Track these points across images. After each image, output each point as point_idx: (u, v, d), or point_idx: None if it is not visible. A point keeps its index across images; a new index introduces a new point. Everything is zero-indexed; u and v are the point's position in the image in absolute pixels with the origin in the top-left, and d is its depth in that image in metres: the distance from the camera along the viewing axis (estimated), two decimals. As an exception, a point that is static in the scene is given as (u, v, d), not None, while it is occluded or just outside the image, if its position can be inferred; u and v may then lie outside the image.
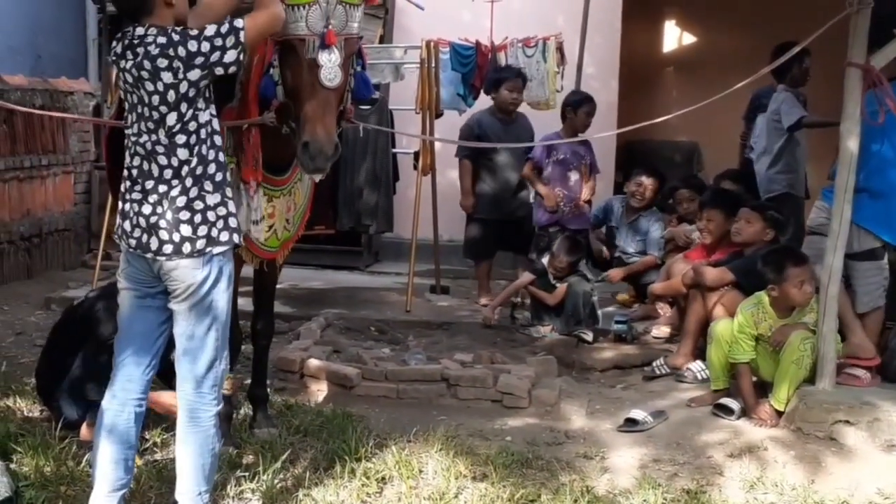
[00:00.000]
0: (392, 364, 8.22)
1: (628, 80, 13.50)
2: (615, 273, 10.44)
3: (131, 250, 5.11)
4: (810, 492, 6.11)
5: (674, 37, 17.14)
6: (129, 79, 4.95)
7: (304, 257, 11.84)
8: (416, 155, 10.91)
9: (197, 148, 4.98)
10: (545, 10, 12.04)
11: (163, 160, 4.96)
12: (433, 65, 10.60)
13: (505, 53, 10.94)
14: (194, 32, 4.92)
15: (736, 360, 7.43)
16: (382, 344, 9.36)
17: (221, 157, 5.10)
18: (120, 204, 5.19)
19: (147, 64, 4.85)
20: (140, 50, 4.88)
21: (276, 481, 6.02)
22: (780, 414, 7.16)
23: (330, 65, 5.42)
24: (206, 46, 4.87)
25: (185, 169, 4.96)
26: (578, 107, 10.30)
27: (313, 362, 8.04)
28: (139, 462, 6.23)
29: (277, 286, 7.35)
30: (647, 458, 6.67)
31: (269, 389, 7.32)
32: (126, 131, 5.11)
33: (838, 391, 7.14)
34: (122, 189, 5.17)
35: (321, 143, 5.41)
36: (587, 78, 11.53)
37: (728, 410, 7.33)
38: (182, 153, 4.95)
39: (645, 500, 5.94)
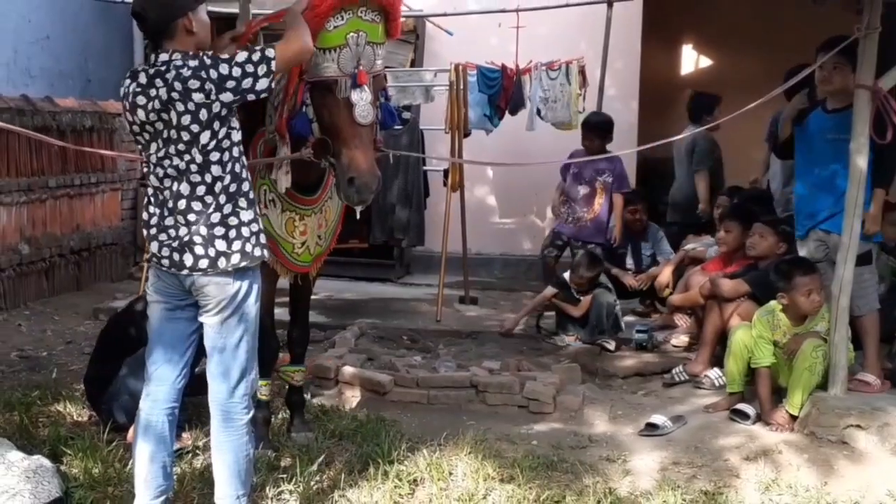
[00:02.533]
0: (423, 371, 8.24)
1: (648, 101, 13.46)
2: (640, 279, 10.41)
3: (163, 269, 5.11)
4: (823, 493, 6.09)
5: (691, 60, 17.12)
6: (157, 105, 4.89)
7: (339, 269, 11.89)
8: (446, 173, 10.92)
9: (230, 165, 4.99)
10: (568, 35, 12.03)
11: (196, 178, 4.94)
12: (461, 87, 10.61)
13: (530, 76, 10.92)
14: (225, 56, 4.95)
15: (758, 365, 7.42)
16: (414, 352, 9.37)
17: (251, 176, 5.12)
18: (146, 230, 5.17)
19: (178, 85, 4.83)
20: (170, 74, 4.86)
21: (312, 483, 6.05)
22: (794, 419, 7.15)
23: (363, 103, 5.47)
24: (237, 72, 4.88)
25: (219, 185, 4.96)
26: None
27: (348, 369, 8.05)
28: (181, 465, 6.29)
29: (313, 297, 7.37)
30: (666, 461, 6.66)
31: (305, 395, 7.34)
32: (149, 159, 5.08)
33: (850, 397, 7.13)
34: (146, 215, 5.16)
35: (366, 179, 5.48)
36: (609, 99, 11.52)
37: (744, 415, 7.33)
38: (216, 170, 4.95)
39: (665, 502, 5.93)
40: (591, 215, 10.46)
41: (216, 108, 4.88)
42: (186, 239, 4.98)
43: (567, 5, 11.19)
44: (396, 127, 11.19)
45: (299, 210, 6.30)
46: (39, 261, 11.60)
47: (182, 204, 4.98)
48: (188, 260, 4.99)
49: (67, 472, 6.06)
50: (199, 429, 6.68)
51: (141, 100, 4.93)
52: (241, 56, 4.95)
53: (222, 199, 4.98)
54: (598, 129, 10.35)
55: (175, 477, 6.04)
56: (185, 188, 4.96)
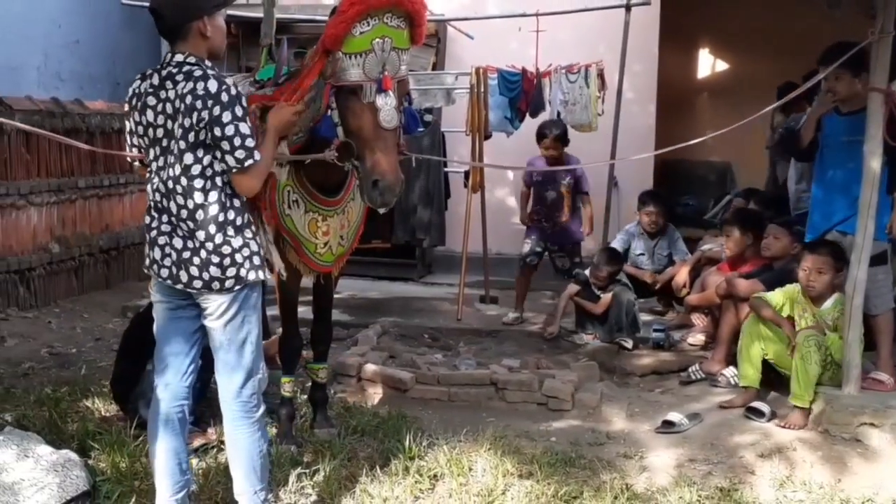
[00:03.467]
0: (444, 369, 8.26)
1: (665, 104, 13.44)
2: (658, 278, 10.39)
3: (161, 280, 5.08)
4: (837, 490, 6.09)
5: (708, 64, 17.09)
6: (169, 109, 4.86)
7: (361, 269, 11.91)
8: (467, 174, 10.91)
9: (214, 194, 4.91)
10: (587, 39, 12.01)
11: (180, 200, 4.90)
12: (482, 90, 10.60)
13: (549, 80, 10.90)
14: (243, 108, 4.86)
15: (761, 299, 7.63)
16: (435, 350, 9.38)
17: (237, 202, 5.02)
18: (147, 234, 5.15)
19: (188, 99, 4.78)
20: (181, 85, 4.83)
21: (334, 478, 6.05)
22: (806, 416, 7.13)
23: (387, 107, 5.45)
24: (230, 130, 4.78)
25: (202, 214, 4.89)
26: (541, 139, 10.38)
27: (370, 367, 8.07)
28: (206, 460, 6.31)
29: (337, 296, 7.39)
30: (683, 458, 6.66)
31: (328, 392, 7.35)
32: (150, 164, 5.06)
33: (863, 395, 7.12)
34: (147, 219, 5.13)
35: (390, 182, 5.46)
36: (627, 102, 11.48)
37: (759, 413, 7.32)
38: (198, 197, 4.88)
39: (681, 498, 5.93)
40: (564, 219, 10.41)
41: (202, 136, 4.82)
42: (186, 256, 4.95)
43: (586, 10, 11.16)
44: (418, 130, 11.20)
45: (322, 211, 6.31)
46: (69, 260, 11.69)
47: (174, 220, 4.96)
48: (184, 276, 4.97)
49: (95, 467, 6.09)
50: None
51: (151, 100, 4.93)
52: (245, 126, 4.84)
53: (212, 228, 4.91)
54: (560, 139, 10.31)
55: (199, 472, 6.11)
56: (173, 207, 4.93)
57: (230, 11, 11.19)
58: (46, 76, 12.72)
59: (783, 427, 7.12)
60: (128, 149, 5.29)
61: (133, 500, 5.61)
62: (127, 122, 5.16)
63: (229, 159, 4.82)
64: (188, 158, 4.85)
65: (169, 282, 5.03)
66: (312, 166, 6.00)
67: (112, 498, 5.72)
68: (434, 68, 12.58)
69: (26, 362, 8.89)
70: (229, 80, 4.96)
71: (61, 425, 6.87)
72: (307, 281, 6.76)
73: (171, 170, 4.89)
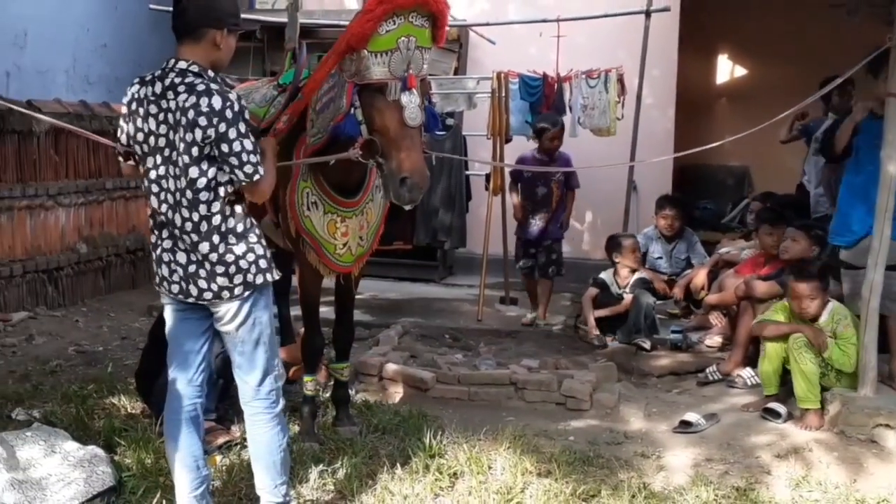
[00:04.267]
0: (464, 368, 8.27)
1: (684, 109, 13.41)
2: (677, 290, 10.36)
3: (172, 296, 5.07)
4: (852, 490, 6.07)
5: (726, 69, 17.05)
6: (171, 119, 4.84)
7: (383, 270, 11.94)
8: (488, 177, 10.91)
9: (217, 205, 4.90)
10: (607, 45, 11.99)
11: (185, 213, 4.88)
12: (503, 94, 10.60)
13: (570, 84, 10.90)
14: (246, 124, 4.85)
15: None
16: (455, 350, 9.38)
17: (238, 209, 5.00)
18: (153, 252, 5.12)
19: (190, 114, 4.75)
20: (183, 97, 4.79)
21: (356, 475, 6.06)
22: (822, 417, 7.11)
23: (412, 105, 5.47)
24: (237, 147, 4.78)
25: (206, 225, 4.88)
26: (542, 132, 10.34)
27: (391, 366, 8.08)
28: (229, 456, 6.33)
29: (358, 296, 7.40)
30: (700, 458, 6.65)
31: (350, 391, 7.36)
32: (146, 174, 5.00)
33: (879, 397, 7.10)
34: (153, 238, 5.09)
35: (418, 179, 5.48)
36: (646, 107, 11.47)
37: (776, 414, 7.30)
38: (203, 209, 4.86)
39: (698, 497, 5.91)
40: (550, 215, 10.37)
41: (207, 151, 4.81)
42: (192, 270, 4.94)
43: (606, 16, 11.16)
44: (440, 133, 11.22)
45: (341, 212, 6.33)
46: (96, 260, 11.76)
47: (177, 232, 4.93)
48: (193, 290, 4.97)
49: (121, 462, 6.12)
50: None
51: (153, 109, 4.89)
52: (249, 143, 4.84)
53: (215, 238, 4.90)
54: (563, 130, 10.35)
55: (223, 468, 6.13)
56: (177, 219, 4.90)
57: (256, 16, 11.29)
58: (75, 79, 12.76)
59: (799, 428, 7.11)
60: (118, 147, 5.23)
61: (157, 495, 5.62)
62: (123, 124, 5.09)
63: (238, 173, 4.83)
64: (193, 172, 4.82)
65: (181, 297, 5.03)
66: (332, 167, 6.00)
67: (137, 493, 5.74)
68: (456, 73, 12.59)
69: (54, 360, 8.93)
70: (232, 94, 4.89)
71: (88, 422, 6.91)
72: (330, 282, 6.77)
73: (176, 181, 4.87)
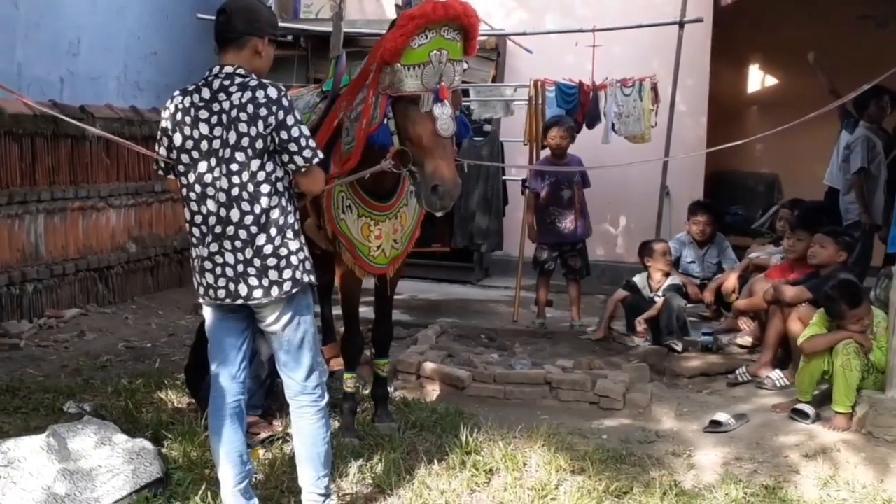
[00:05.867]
0: (500, 368, 8.24)
1: (716, 117, 13.36)
2: (707, 295, 10.31)
3: (218, 302, 5.04)
4: (879, 490, 6.02)
5: (757, 79, 16.97)
6: (224, 120, 4.85)
7: (422, 272, 11.98)
8: (524, 182, 10.90)
9: (276, 199, 4.92)
10: (641, 54, 11.96)
11: (246, 206, 4.87)
12: (540, 102, 10.59)
13: (605, 92, 10.87)
14: (298, 115, 4.94)
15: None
16: (491, 350, 9.35)
17: (293, 207, 5.06)
18: (195, 260, 5.09)
19: (250, 108, 4.81)
20: (237, 94, 4.84)
21: (394, 470, 6.07)
22: (850, 419, 7.06)
23: (444, 116, 5.49)
24: (295, 132, 4.87)
25: (266, 217, 4.89)
26: (547, 130, 10.36)
27: (429, 365, 8.08)
28: (272, 450, 6.34)
29: (397, 297, 7.40)
30: (729, 457, 6.62)
31: (389, 389, 7.37)
32: (191, 185, 4.98)
33: (906, 399, 7.03)
34: (195, 252, 5.08)
35: (449, 187, 5.51)
36: (679, 115, 11.43)
37: (804, 415, 7.26)
38: (265, 202, 4.88)
39: (727, 495, 5.89)
40: (577, 215, 10.35)
41: (268, 142, 4.85)
42: (241, 269, 4.93)
43: (640, 26, 11.13)
44: (477, 139, 11.24)
45: (374, 216, 6.35)
46: (145, 259, 11.88)
47: (230, 230, 4.91)
48: (243, 290, 4.95)
49: (168, 455, 6.15)
50: (289, 416, 6.73)
51: (203, 113, 4.90)
52: (307, 129, 4.97)
53: (272, 230, 4.91)
54: (570, 129, 10.33)
55: (266, 461, 6.14)
56: (235, 214, 4.89)
57: (301, 26, 11.34)
58: (126, 86, 12.85)
59: (827, 429, 7.06)
60: (159, 161, 5.19)
61: (203, 487, 5.65)
62: (165, 137, 5.06)
63: (298, 159, 4.89)
64: (254, 165, 4.86)
65: (228, 300, 5.01)
66: None
67: (183, 485, 5.77)
68: (494, 80, 12.61)
69: (104, 355, 8.99)
70: (281, 87, 4.99)
71: (136, 415, 6.96)
72: (370, 283, 6.79)
73: (234, 177, 4.87)
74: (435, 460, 6.29)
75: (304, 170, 4.94)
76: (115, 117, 11.34)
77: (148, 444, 5.94)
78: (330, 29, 8.83)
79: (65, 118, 7.32)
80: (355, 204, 6.29)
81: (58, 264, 10.52)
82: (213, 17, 5.11)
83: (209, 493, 5.57)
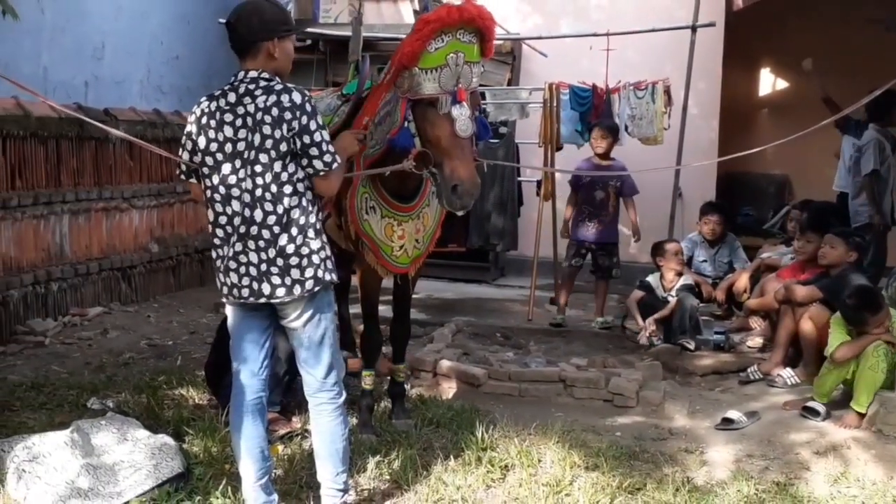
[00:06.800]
0: (515, 366, 8.23)
1: (728, 120, 13.32)
2: (719, 294, 10.29)
3: (242, 301, 5.03)
4: (889, 487, 6.00)
5: (768, 82, 16.90)
6: (249, 122, 4.85)
7: (438, 271, 11.93)
8: (539, 183, 10.89)
9: (297, 199, 4.91)
10: (654, 58, 11.93)
11: (269, 206, 4.86)
12: (554, 104, 10.57)
13: (618, 95, 10.85)
14: (320, 120, 4.94)
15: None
16: (507, 348, 9.35)
17: (315, 207, 5.04)
18: (218, 261, 5.07)
19: (274, 111, 4.81)
20: (262, 97, 4.84)
21: (411, 466, 6.06)
22: (861, 417, 7.03)
23: (462, 118, 5.51)
24: (317, 137, 4.87)
25: (288, 217, 4.88)
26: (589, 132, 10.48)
27: (445, 363, 8.08)
28: (291, 446, 6.34)
29: (415, 296, 7.42)
30: (741, 454, 6.61)
31: (405, 386, 7.37)
32: (215, 187, 4.97)
33: (917, 397, 7.01)
34: (215, 254, 5.07)
35: (468, 186, 5.52)
36: (691, 118, 11.39)
37: (815, 413, 7.24)
38: (287, 202, 4.87)
39: (739, 491, 5.87)
40: (609, 218, 10.37)
41: (291, 145, 4.85)
42: (264, 269, 4.91)
43: (654, 30, 11.11)
44: (493, 140, 11.23)
45: (397, 216, 6.36)
46: (167, 259, 11.92)
47: (254, 230, 4.89)
48: (266, 289, 4.93)
49: (189, 451, 6.16)
50: (307, 413, 6.74)
51: (228, 117, 4.90)
52: (328, 134, 4.98)
53: (294, 230, 4.90)
54: (611, 130, 10.37)
55: (285, 457, 6.15)
56: (258, 215, 4.88)
57: (321, 30, 11.34)
58: (149, 89, 12.88)
59: (838, 427, 7.04)
60: (181, 166, 5.20)
61: (223, 482, 5.65)
62: (189, 141, 5.06)
63: (317, 164, 4.88)
64: (278, 167, 4.85)
65: (251, 299, 5.00)
66: (389, 175, 6.03)
67: (204, 480, 5.77)
68: (509, 84, 12.58)
69: (127, 353, 9.02)
70: (305, 92, 4.99)
71: (158, 411, 6.97)
72: (389, 282, 6.79)
73: (258, 178, 4.86)
74: (451, 456, 6.27)
75: (321, 174, 4.94)
76: (139, 120, 11.39)
77: (169, 440, 5.96)
78: (348, 33, 8.84)
79: (89, 121, 7.36)
80: (379, 205, 6.30)
81: (82, 264, 10.56)
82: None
83: (229, 487, 5.58)
